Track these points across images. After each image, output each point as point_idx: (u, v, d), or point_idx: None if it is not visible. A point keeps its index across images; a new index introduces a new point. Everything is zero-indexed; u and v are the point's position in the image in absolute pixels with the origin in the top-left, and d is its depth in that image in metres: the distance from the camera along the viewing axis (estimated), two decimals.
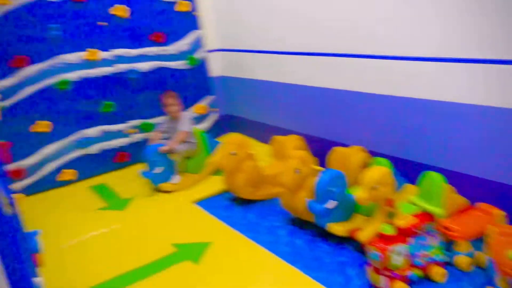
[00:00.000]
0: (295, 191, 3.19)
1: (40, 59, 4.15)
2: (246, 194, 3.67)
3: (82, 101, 4.41)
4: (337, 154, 3.49)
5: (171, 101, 4.11)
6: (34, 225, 3.67)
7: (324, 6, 3.84)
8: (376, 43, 3.46)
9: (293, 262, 2.91)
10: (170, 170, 4.00)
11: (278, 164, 3.84)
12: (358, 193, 2.69)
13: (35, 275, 1.84)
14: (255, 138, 5.12)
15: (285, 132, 4.56)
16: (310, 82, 4.15)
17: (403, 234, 2.54)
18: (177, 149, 3.93)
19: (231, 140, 3.52)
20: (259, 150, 4.61)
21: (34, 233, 2.71)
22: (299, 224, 3.41)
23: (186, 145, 4.04)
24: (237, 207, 3.77)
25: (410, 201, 2.92)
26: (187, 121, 4.10)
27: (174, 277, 2.84)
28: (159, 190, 3.96)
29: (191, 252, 3.10)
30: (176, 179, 3.98)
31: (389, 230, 2.51)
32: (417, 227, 2.57)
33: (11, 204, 1.96)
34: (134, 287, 2.78)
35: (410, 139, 3.41)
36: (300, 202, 3.19)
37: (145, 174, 3.83)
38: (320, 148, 4.18)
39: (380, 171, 2.73)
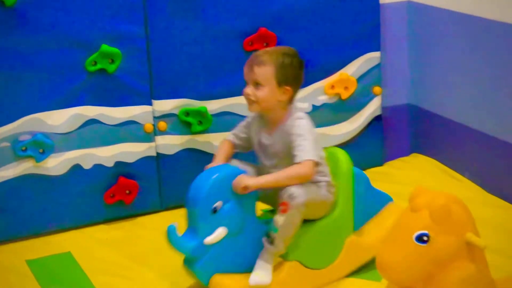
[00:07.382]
0: None
1: None
2: None
3: (45, 39, 2.54)
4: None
5: (262, 79, 2.13)
6: None
7: None
8: None
9: None
10: (249, 244, 2.26)
11: None
12: None
13: None
14: (483, 187, 2.95)
15: None
16: None
17: None
18: (289, 198, 2.07)
19: (421, 202, 1.70)
20: (494, 221, 2.62)
21: None
22: None
23: (306, 189, 2.10)
24: None
25: None
26: (310, 136, 2.14)
27: None
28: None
29: None
30: (260, 275, 2.10)
31: None
32: None
33: None
34: None
35: None
36: None
37: (179, 239, 2.15)
38: None
39: None
